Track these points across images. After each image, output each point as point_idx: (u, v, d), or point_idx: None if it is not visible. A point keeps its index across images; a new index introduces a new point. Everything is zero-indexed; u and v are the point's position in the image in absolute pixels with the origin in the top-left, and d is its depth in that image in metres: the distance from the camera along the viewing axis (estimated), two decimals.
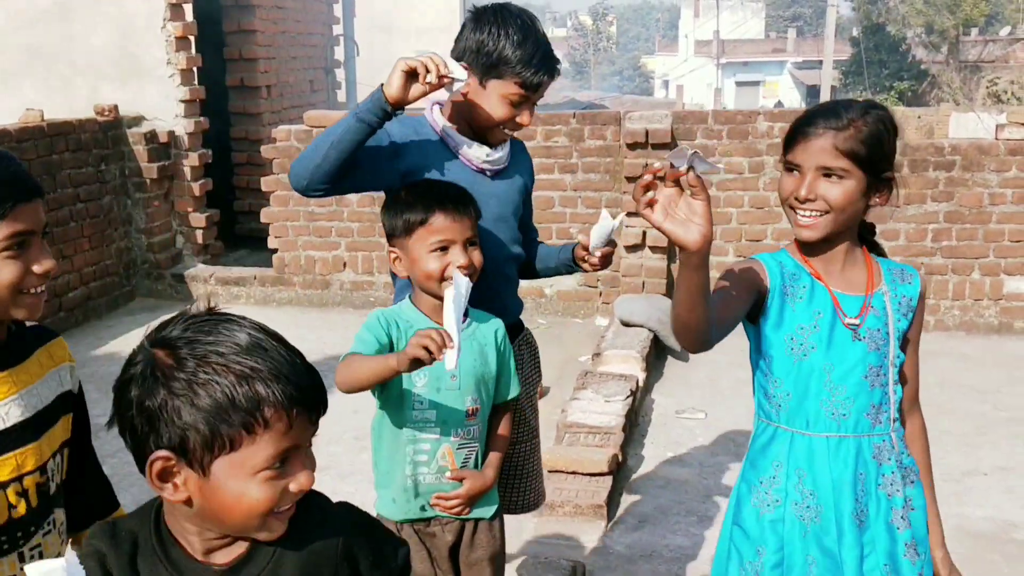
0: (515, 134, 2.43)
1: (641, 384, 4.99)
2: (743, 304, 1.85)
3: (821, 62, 35.42)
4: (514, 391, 2.28)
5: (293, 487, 1.18)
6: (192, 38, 7.36)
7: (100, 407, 1.58)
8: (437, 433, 2.13)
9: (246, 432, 1.13)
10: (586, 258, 2.41)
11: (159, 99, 7.18)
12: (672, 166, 1.54)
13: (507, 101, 2.27)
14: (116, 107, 6.98)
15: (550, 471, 3.90)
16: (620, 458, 4.11)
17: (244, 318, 1.21)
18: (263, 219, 7.11)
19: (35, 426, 1.57)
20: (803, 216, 1.84)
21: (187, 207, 7.32)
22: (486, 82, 2.27)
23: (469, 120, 2.34)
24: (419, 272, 2.09)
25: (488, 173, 2.38)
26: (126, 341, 6.20)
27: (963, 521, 3.79)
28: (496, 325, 2.25)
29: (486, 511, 2.25)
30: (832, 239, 1.87)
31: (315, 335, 6.27)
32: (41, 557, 1.56)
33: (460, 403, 2.13)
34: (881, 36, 31.30)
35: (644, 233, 6.32)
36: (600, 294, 6.62)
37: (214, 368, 1.13)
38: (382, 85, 2.14)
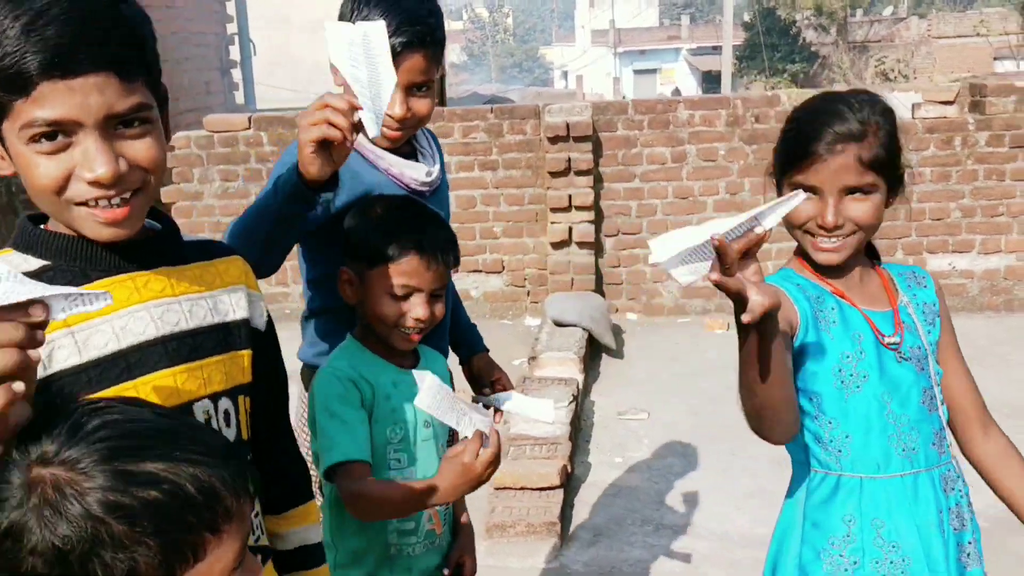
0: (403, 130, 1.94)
1: (581, 386, 4.81)
2: (791, 352, 1.57)
3: (715, 48, 36.08)
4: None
5: None
6: None
7: None
8: None
9: (211, 533, 0.88)
10: (485, 400, 2.00)
11: None
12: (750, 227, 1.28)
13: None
14: None
15: (497, 488, 3.70)
16: (569, 469, 3.92)
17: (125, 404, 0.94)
18: None
19: (190, 348, 1.24)
20: (826, 241, 1.60)
21: None
22: None
23: None
24: (371, 310, 1.80)
25: (427, 193, 2.01)
26: None
27: None
28: (443, 362, 2.02)
29: None
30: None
31: None
32: None
33: (436, 450, 1.86)
34: (772, 20, 31.98)
35: (570, 229, 6.15)
36: (528, 293, 6.41)
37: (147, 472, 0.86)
38: (296, 165, 1.61)
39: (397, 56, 1.75)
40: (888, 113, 1.61)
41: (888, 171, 1.59)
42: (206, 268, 1.31)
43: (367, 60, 1.58)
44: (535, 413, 1.88)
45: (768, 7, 32.44)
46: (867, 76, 29.35)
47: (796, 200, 1.32)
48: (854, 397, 1.61)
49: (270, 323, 1.41)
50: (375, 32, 1.58)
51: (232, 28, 11.48)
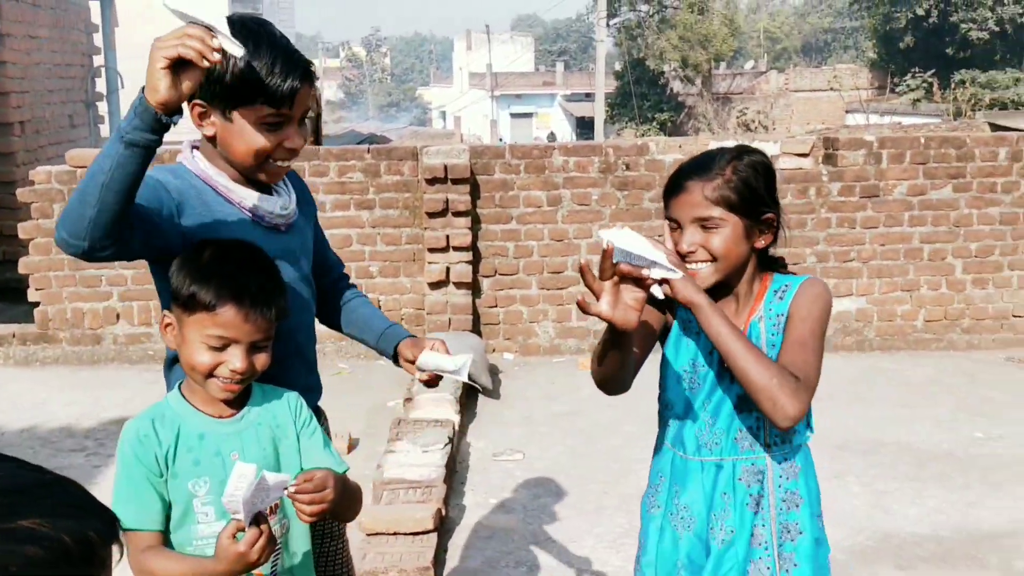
0: (290, 162, 1.95)
1: (457, 428, 4.81)
2: (653, 340, 1.99)
3: (588, 94, 37.09)
4: (338, 465, 1.83)
5: None
6: None
7: None
8: None
9: None
10: (415, 375, 2.10)
11: None
12: (619, 263, 1.65)
13: (263, 127, 1.82)
14: None
15: (369, 535, 3.64)
16: (443, 512, 3.90)
17: None
18: (21, 269, 6.36)
19: None
20: (691, 268, 1.87)
21: None
22: (230, 113, 1.82)
23: (232, 164, 1.88)
24: (186, 357, 1.72)
25: (282, 227, 1.97)
26: None
27: None
28: (289, 397, 1.86)
29: None
30: (727, 283, 1.92)
31: (89, 396, 5.67)
32: None
33: None
34: (642, 70, 33.11)
35: (448, 269, 6.18)
36: None
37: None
38: (143, 90, 1.61)
39: (291, 99, 1.81)
40: (754, 165, 1.89)
41: (740, 210, 1.85)
42: None
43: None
44: (450, 365, 1.99)
45: (638, 58, 33.62)
46: (730, 126, 30.70)
47: (675, 275, 1.68)
48: (689, 394, 1.99)
49: None
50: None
51: (99, 60, 11.10)
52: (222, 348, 1.70)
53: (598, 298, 1.68)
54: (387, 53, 79.56)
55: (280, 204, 1.94)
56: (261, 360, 1.74)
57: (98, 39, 10.80)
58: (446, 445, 4.39)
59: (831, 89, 28.72)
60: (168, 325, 1.76)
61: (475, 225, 6.33)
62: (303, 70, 1.83)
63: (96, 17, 10.87)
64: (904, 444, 4.92)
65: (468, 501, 4.31)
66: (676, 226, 1.89)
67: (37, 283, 6.30)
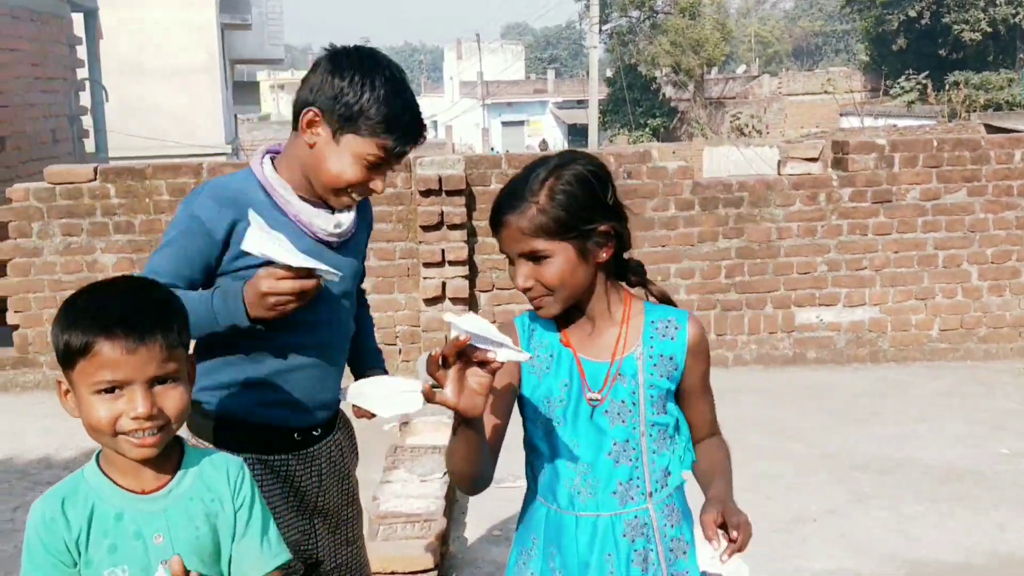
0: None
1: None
2: (508, 410, 1.77)
3: (579, 101, 36.94)
4: (270, 559, 1.57)
5: None
6: None
7: None
8: None
9: None
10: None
11: None
12: (457, 337, 1.53)
13: (363, 162, 1.91)
14: None
15: None
16: (443, 549, 3.65)
17: None
18: None
19: None
20: (533, 300, 1.76)
21: None
22: (340, 136, 1.90)
23: (309, 175, 1.96)
24: (84, 419, 1.45)
25: (334, 244, 2.01)
26: None
27: (802, 574, 3.63)
28: (230, 466, 1.58)
29: None
30: (576, 306, 1.78)
31: (68, 424, 5.39)
32: None
33: None
34: (634, 76, 33.01)
35: (444, 284, 5.94)
36: (400, 352, 6.14)
37: None
38: (243, 298, 1.84)
39: (401, 156, 1.96)
40: (572, 179, 1.69)
41: (564, 234, 1.68)
42: None
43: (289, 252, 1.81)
44: (399, 387, 2.01)
45: (630, 63, 33.48)
46: (723, 130, 30.58)
47: (522, 356, 1.56)
48: (549, 437, 1.79)
49: None
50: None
51: (83, 73, 10.86)
52: (115, 395, 1.42)
53: (442, 387, 1.54)
54: None
55: (334, 222, 2.00)
56: (173, 397, 1.46)
57: (81, 52, 10.57)
58: (445, 474, 4.14)
59: (825, 92, 28.55)
60: (67, 393, 1.48)
61: (471, 238, 6.08)
62: (422, 134, 1.97)
63: (79, 30, 10.63)
64: (925, 462, 4.69)
65: (469, 533, 4.06)
66: (509, 260, 1.76)
67: (16, 306, 6.04)
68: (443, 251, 5.93)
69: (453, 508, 4.22)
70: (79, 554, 1.44)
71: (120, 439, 1.43)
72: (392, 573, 3.41)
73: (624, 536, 1.77)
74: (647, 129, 31.67)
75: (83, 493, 1.47)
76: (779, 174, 6.24)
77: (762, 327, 6.33)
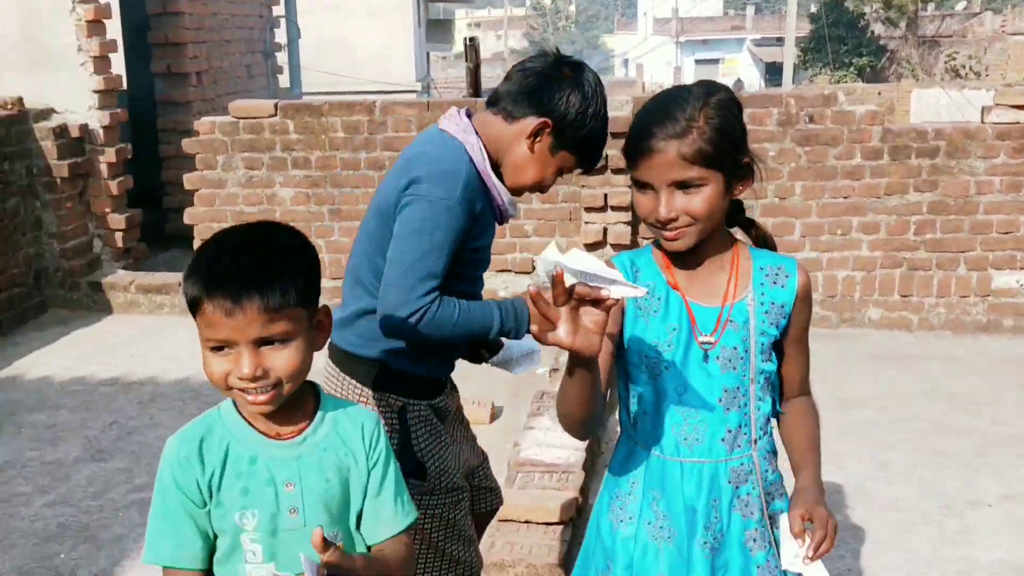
0: None
1: (607, 401, 4.46)
2: (613, 353, 1.73)
3: (779, 39, 35.13)
4: (403, 518, 1.56)
5: None
6: (106, 21, 6.68)
7: None
8: None
9: None
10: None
11: (71, 89, 6.50)
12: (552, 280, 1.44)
13: (558, 170, 2.12)
14: (21, 99, 6.27)
15: (500, 520, 3.38)
16: (580, 501, 3.58)
17: None
18: (187, 220, 6.47)
19: None
20: (668, 231, 1.67)
21: (104, 207, 6.65)
22: (558, 151, 2.08)
23: (506, 165, 2.11)
24: (204, 370, 1.45)
25: (500, 220, 2.21)
26: (32, 361, 5.56)
27: (972, 565, 3.33)
28: (366, 420, 1.55)
29: None
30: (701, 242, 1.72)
31: None
32: None
33: (305, 543, 1.40)
34: (840, 12, 31.08)
35: (605, 229, 5.80)
36: None
37: None
38: (527, 312, 2.13)
39: (585, 173, 2.29)
40: (724, 105, 1.65)
41: (720, 164, 1.63)
42: None
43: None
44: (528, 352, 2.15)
45: None
46: (937, 72, 28.40)
47: (638, 292, 1.44)
48: (655, 382, 1.74)
49: None
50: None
51: (279, 11, 11.27)
52: (224, 352, 1.40)
53: (555, 326, 1.46)
54: (572, 0, 78.61)
55: (510, 199, 2.15)
56: (282, 358, 1.40)
57: None
58: None
59: None
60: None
61: None
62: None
63: None
64: None
65: None
66: (646, 189, 1.66)
67: (201, 234, 6.39)
68: (606, 195, 5.77)
69: (596, 461, 4.15)
70: (210, 495, 1.44)
71: (235, 395, 1.43)
72: (527, 522, 3.39)
73: (729, 483, 1.76)
74: (851, 69, 29.83)
75: (219, 433, 1.47)
76: (982, 122, 5.65)
77: (953, 290, 5.81)
